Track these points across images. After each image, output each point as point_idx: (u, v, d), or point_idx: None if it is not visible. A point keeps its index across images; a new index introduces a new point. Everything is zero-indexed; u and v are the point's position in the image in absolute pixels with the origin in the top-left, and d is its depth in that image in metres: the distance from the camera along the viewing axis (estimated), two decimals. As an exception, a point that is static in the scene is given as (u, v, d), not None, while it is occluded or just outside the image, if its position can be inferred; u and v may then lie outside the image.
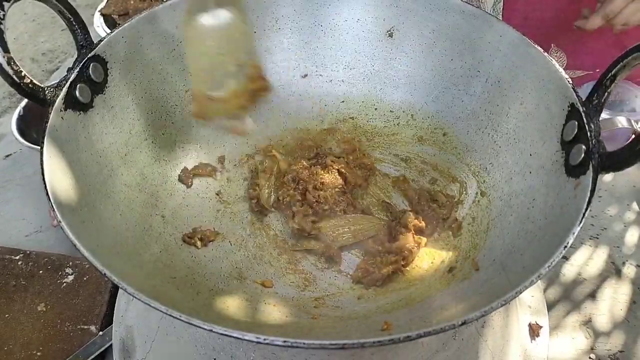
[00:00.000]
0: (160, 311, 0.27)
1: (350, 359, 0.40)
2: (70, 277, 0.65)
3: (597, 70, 0.79)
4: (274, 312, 0.41)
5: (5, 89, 1.06)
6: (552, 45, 0.77)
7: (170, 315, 0.27)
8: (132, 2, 1.08)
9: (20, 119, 0.81)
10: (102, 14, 1.03)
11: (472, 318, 0.28)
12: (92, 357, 0.57)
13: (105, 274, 0.29)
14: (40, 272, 0.66)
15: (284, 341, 0.26)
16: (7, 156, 0.89)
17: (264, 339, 0.26)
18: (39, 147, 0.75)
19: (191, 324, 0.27)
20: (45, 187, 0.34)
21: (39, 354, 0.59)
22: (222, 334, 0.27)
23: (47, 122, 0.38)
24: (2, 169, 0.87)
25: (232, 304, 0.39)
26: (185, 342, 0.46)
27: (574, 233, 0.32)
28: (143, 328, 0.52)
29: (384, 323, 0.35)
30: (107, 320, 0.61)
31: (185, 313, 0.27)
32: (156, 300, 0.28)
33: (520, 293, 0.29)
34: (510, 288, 0.29)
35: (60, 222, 0.31)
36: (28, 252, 0.68)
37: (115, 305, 0.58)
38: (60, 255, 0.67)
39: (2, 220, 0.78)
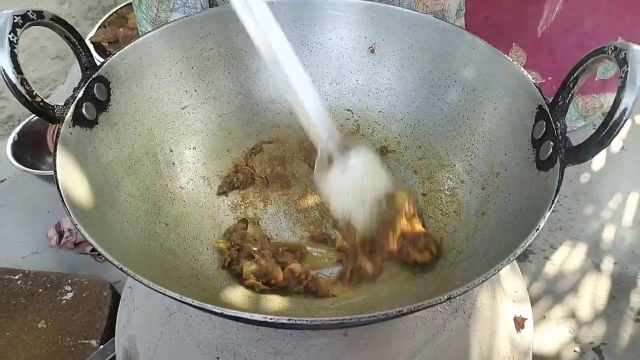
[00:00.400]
0: (174, 299, 0.30)
1: (348, 348, 0.43)
2: (70, 294, 0.67)
3: (550, 78, 0.82)
4: (273, 306, 0.43)
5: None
6: (513, 44, 0.80)
7: (183, 302, 0.30)
8: (121, 30, 1.11)
9: (15, 144, 0.83)
10: (92, 42, 1.06)
11: (456, 293, 0.31)
12: (94, 370, 0.59)
13: (122, 268, 0.31)
14: (40, 290, 0.67)
15: (289, 319, 0.29)
16: (2, 181, 0.90)
17: (270, 318, 0.29)
18: (34, 171, 0.78)
19: (203, 308, 0.30)
20: (60, 194, 0.36)
21: (41, 370, 0.60)
22: (231, 317, 0.29)
23: (57, 137, 0.40)
24: (-3, 194, 0.88)
25: (235, 300, 0.42)
26: (188, 344, 0.48)
27: (545, 217, 0.35)
28: (146, 335, 0.53)
29: (378, 308, 0.37)
30: (107, 334, 0.63)
31: (197, 300, 0.30)
32: (170, 290, 0.30)
33: (499, 270, 0.32)
34: (489, 267, 0.32)
35: (76, 224, 0.34)
36: (27, 271, 0.69)
37: (117, 317, 0.59)
38: (59, 274, 0.69)
39: (-2, 243, 0.79)
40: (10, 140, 0.82)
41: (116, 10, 1.14)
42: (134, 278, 0.31)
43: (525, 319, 0.57)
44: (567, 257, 0.73)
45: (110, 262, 0.32)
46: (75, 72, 1.17)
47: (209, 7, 0.69)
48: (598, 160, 0.87)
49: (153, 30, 0.52)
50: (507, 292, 0.59)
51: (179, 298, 0.30)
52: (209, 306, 0.29)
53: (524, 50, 0.81)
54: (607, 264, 0.72)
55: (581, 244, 0.74)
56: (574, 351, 0.63)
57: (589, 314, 0.66)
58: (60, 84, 1.17)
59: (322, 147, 0.49)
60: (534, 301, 0.66)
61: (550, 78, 0.82)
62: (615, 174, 0.85)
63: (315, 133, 0.49)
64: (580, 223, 0.77)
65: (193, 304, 0.30)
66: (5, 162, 0.81)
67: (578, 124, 0.89)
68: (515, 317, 0.57)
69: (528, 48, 0.81)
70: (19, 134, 0.84)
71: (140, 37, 0.51)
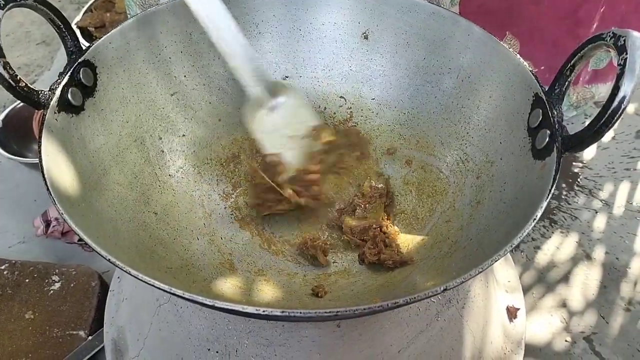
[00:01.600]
0: (164, 290, 0.29)
1: (341, 339, 0.42)
2: (57, 285, 0.66)
3: (542, 67, 0.82)
4: (266, 298, 0.43)
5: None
6: (507, 32, 0.80)
7: (173, 294, 0.29)
8: (108, 14, 1.09)
9: (0, 131, 0.81)
10: (78, 27, 1.04)
11: (453, 285, 0.30)
12: (83, 361, 0.58)
13: (109, 259, 0.30)
14: (27, 280, 0.66)
15: (282, 311, 0.28)
16: (-13, 169, 0.88)
17: (263, 311, 0.28)
18: (20, 159, 0.76)
19: (194, 300, 0.29)
20: (46, 182, 0.35)
21: (28, 361, 0.59)
22: (223, 309, 0.28)
23: (42, 123, 0.39)
24: (-18, 182, 0.86)
25: (227, 291, 0.41)
26: (178, 335, 0.48)
27: (542, 207, 0.35)
28: (135, 327, 0.53)
29: (373, 300, 0.37)
30: (96, 325, 0.62)
31: (187, 291, 0.29)
32: (159, 281, 0.29)
33: (496, 261, 0.32)
34: (486, 258, 0.32)
35: (62, 213, 0.33)
36: (13, 261, 0.68)
37: (106, 307, 0.59)
38: (47, 264, 0.68)
39: (-17, 233, 0.77)
40: (-6, 128, 0.81)
41: (102, -6, 1.12)
42: (122, 269, 0.30)
43: (518, 309, 0.57)
44: (558, 247, 0.73)
45: (97, 252, 0.31)
46: (62, 58, 1.14)
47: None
48: (589, 149, 0.87)
49: (142, 12, 0.51)
50: (499, 282, 0.59)
51: (168, 290, 0.29)
52: (200, 298, 0.28)
53: (517, 39, 0.81)
54: (599, 254, 0.72)
55: (572, 233, 0.75)
56: (565, 340, 0.63)
57: (580, 303, 0.67)
58: (46, 70, 1.14)
59: (251, 91, 0.52)
60: (525, 291, 0.66)
61: (542, 67, 0.82)
62: (606, 163, 0.85)
63: (244, 76, 0.51)
64: (571, 212, 0.77)
65: (184, 295, 0.29)
66: (-11, 151, 0.80)
67: (569, 113, 0.89)
68: (507, 307, 0.57)
69: (521, 37, 0.80)
70: (3, 120, 0.83)
71: (127, 21, 0.50)
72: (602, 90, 0.85)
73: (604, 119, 0.35)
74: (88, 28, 1.06)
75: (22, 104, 0.85)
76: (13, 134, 0.83)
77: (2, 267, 0.67)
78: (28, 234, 0.77)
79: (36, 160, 0.75)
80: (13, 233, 0.78)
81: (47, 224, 0.74)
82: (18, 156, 0.78)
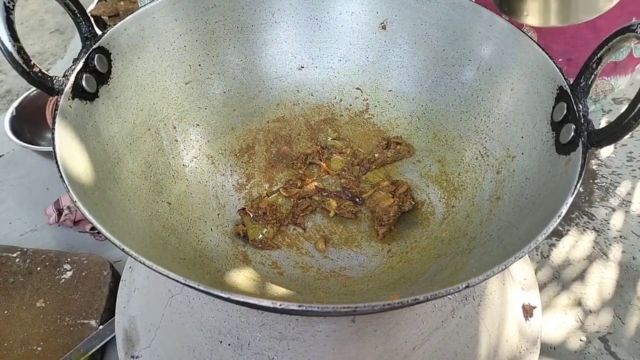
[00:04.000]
0: (178, 282, 0.28)
1: (355, 335, 0.42)
2: (69, 273, 0.66)
3: (560, 59, 0.79)
4: (279, 291, 0.42)
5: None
6: (524, 24, 0.78)
7: (188, 286, 0.28)
8: (122, 3, 1.09)
9: (13, 119, 0.81)
10: (92, 15, 1.04)
11: (475, 282, 0.29)
12: (93, 350, 0.58)
13: (123, 249, 0.30)
14: (38, 268, 0.66)
15: (299, 306, 0.27)
16: (0, 157, 0.89)
17: (280, 305, 0.27)
18: (33, 147, 0.76)
19: (209, 292, 0.28)
20: (59, 170, 0.34)
21: (39, 349, 0.59)
22: (239, 301, 0.28)
23: (56, 110, 0.39)
24: (-5, 169, 0.86)
25: (240, 283, 0.41)
26: (190, 327, 0.47)
27: (567, 203, 0.34)
28: (147, 317, 0.52)
29: (390, 296, 0.36)
30: (106, 315, 0.62)
31: (202, 283, 0.28)
32: (173, 272, 0.29)
33: (519, 258, 0.31)
34: (509, 255, 0.31)
35: (75, 202, 0.32)
36: (25, 249, 0.68)
37: (117, 297, 0.58)
38: (58, 252, 0.68)
39: (-4, 220, 0.78)
40: (8, 115, 0.81)
41: (117, -17, 1.11)
42: (136, 259, 0.29)
43: (534, 307, 0.56)
44: (574, 245, 0.72)
45: (111, 241, 0.30)
46: (75, 47, 1.14)
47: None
48: (607, 147, 0.86)
49: (157, 0, 0.50)
50: (515, 279, 0.58)
51: (182, 281, 0.28)
52: (215, 290, 0.28)
53: (534, 30, 0.79)
54: (615, 252, 0.71)
55: (589, 231, 0.73)
56: (580, 340, 0.62)
57: (595, 302, 0.66)
58: (60, 59, 1.14)
59: None
60: (540, 288, 0.65)
61: (560, 59, 0.80)
62: (625, 161, 0.83)
63: None
64: (587, 210, 0.76)
65: (198, 287, 0.28)
66: (4, 138, 0.80)
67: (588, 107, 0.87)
68: (523, 305, 0.56)
69: (538, 28, 0.78)
70: (17, 108, 0.83)
71: (142, 7, 0.49)
72: (621, 83, 0.83)
73: (633, 113, 0.34)
74: (102, 17, 1.06)
75: (35, 92, 0.85)
76: (26, 122, 0.83)
77: (14, 255, 0.67)
78: (40, 222, 0.77)
79: (49, 149, 0.76)
80: (25, 221, 0.78)
81: (59, 212, 0.74)
82: (31, 144, 0.78)
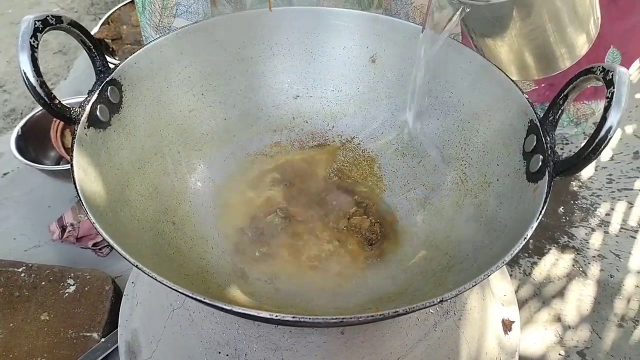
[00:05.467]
0: (186, 295, 0.32)
1: (344, 346, 0.45)
2: (72, 288, 0.68)
3: (542, 85, 0.83)
4: (275, 304, 0.46)
5: (-1, 111, 1.09)
6: None
7: (194, 299, 0.32)
8: (124, 27, 1.12)
9: (19, 138, 0.84)
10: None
11: (448, 297, 0.33)
12: (96, 362, 0.60)
13: (138, 266, 0.33)
14: (43, 283, 0.69)
15: (293, 317, 0.31)
16: (5, 174, 0.91)
17: (276, 316, 0.31)
18: (37, 165, 0.79)
19: (214, 305, 0.32)
20: (78, 194, 0.38)
21: (43, 360, 0.61)
22: (240, 313, 0.31)
23: (74, 138, 0.42)
24: (0, 186, 0.89)
25: (239, 297, 0.44)
26: (190, 338, 0.50)
27: (532, 227, 0.38)
28: (148, 330, 0.55)
29: (374, 309, 0.40)
30: (108, 328, 0.64)
31: (208, 296, 0.32)
32: (182, 287, 0.32)
33: (488, 276, 0.34)
34: (480, 273, 0.35)
35: (94, 223, 0.36)
36: (30, 264, 0.71)
37: (120, 311, 0.61)
38: (62, 267, 0.70)
39: (1, 236, 0.81)
40: (14, 135, 0.84)
41: (119, 8, 1.16)
42: (148, 275, 0.33)
43: (513, 322, 0.60)
44: (554, 263, 0.76)
45: (126, 259, 0.34)
46: (78, 68, 1.18)
47: (211, 13, 0.71)
48: (587, 169, 0.90)
49: (165, 34, 0.54)
50: (496, 295, 0.61)
51: (190, 295, 0.32)
52: (219, 303, 0.31)
53: None
54: (594, 271, 0.74)
55: (569, 250, 0.77)
56: (559, 354, 0.65)
57: (574, 318, 0.69)
58: (63, 79, 1.18)
59: None
60: (521, 305, 0.69)
61: (543, 85, 0.84)
62: (604, 183, 0.87)
63: None
64: (568, 230, 0.80)
65: (204, 300, 0.32)
66: (8, 157, 0.83)
67: (570, 130, 0.91)
68: (503, 320, 0.60)
69: None
70: (22, 128, 0.85)
71: (151, 41, 0.53)
72: (602, 107, 0.87)
73: (591, 147, 0.38)
74: (105, 40, 1.09)
75: (39, 112, 0.88)
76: (31, 141, 0.85)
77: (19, 270, 0.70)
78: (43, 238, 0.79)
79: (52, 167, 0.79)
80: (29, 237, 0.80)
81: (63, 229, 0.77)
82: (35, 162, 0.81)
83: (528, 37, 0.48)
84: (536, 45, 0.49)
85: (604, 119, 0.37)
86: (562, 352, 0.65)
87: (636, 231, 0.79)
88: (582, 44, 0.50)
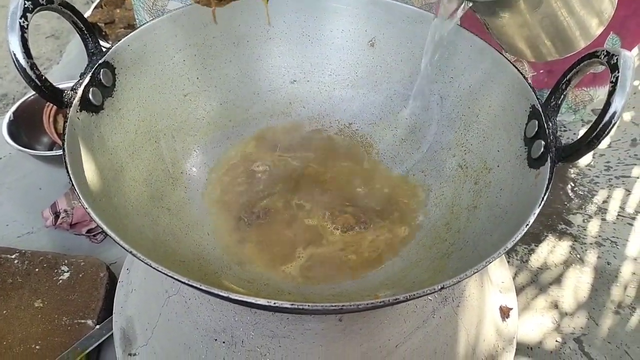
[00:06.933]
0: (180, 281, 0.31)
1: (342, 333, 0.45)
2: (66, 275, 0.67)
3: (541, 71, 0.82)
4: (272, 292, 0.45)
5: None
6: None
7: (190, 285, 0.31)
8: (118, 10, 1.11)
9: (11, 123, 0.83)
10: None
11: (449, 284, 0.32)
12: (90, 349, 0.60)
13: (132, 253, 0.32)
14: (36, 270, 0.68)
15: (292, 304, 0.30)
16: (-2, 160, 0.90)
17: (274, 303, 0.31)
18: (30, 151, 0.78)
19: (210, 292, 0.31)
20: (70, 178, 0.37)
21: (37, 347, 0.61)
22: (237, 300, 0.31)
23: (66, 121, 0.41)
24: (-8, 172, 0.88)
25: (236, 284, 0.44)
26: (186, 325, 0.50)
27: (534, 213, 0.37)
28: (144, 316, 0.55)
29: (374, 296, 0.39)
30: (103, 315, 0.64)
31: (204, 283, 0.31)
32: (179, 274, 0.32)
33: (490, 263, 0.34)
34: (481, 260, 0.34)
35: (87, 209, 0.35)
36: (23, 251, 0.70)
37: (115, 298, 0.61)
38: (55, 254, 0.70)
39: (-7, 222, 0.79)
40: (5, 120, 0.82)
41: (112, -9, 1.14)
42: (144, 262, 0.32)
43: (511, 309, 0.60)
44: (552, 250, 0.75)
45: (120, 245, 0.33)
46: (71, 52, 1.16)
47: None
48: (585, 156, 0.89)
49: (158, 17, 0.53)
50: (494, 282, 0.61)
51: (187, 282, 0.31)
52: (216, 290, 0.31)
53: None
54: (591, 258, 0.74)
55: (566, 237, 0.77)
56: (556, 341, 0.65)
57: (571, 305, 0.69)
58: (55, 64, 1.16)
59: None
60: (518, 292, 0.69)
61: (542, 71, 0.84)
62: (602, 170, 0.87)
63: None
64: (566, 217, 0.80)
65: (200, 287, 0.31)
66: (1, 141, 0.81)
67: (568, 117, 0.91)
68: (501, 307, 0.60)
69: None
70: (14, 113, 0.84)
71: (144, 24, 0.52)
72: (600, 94, 0.87)
73: (595, 132, 0.38)
74: (98, 24, 1.07)
75: (32, 97, 0.86)
76: (23, 126, 0.84)
77: (13, 257, 0.69)
78: (36, 225, 0.79)
79: (45, 153, 0.78)
80: (22, 223, 0.79)
81: (56, 215, 0.76)
82: (28, 148, 0.80)
83: (541, 24, 0.47)
84: (549, 32, 0.48)
85: (608, 104, 0.37)
86: (559, 339, 0.65)
87: (633, 218, 0.79)
88: (596, 25, 0.49)
